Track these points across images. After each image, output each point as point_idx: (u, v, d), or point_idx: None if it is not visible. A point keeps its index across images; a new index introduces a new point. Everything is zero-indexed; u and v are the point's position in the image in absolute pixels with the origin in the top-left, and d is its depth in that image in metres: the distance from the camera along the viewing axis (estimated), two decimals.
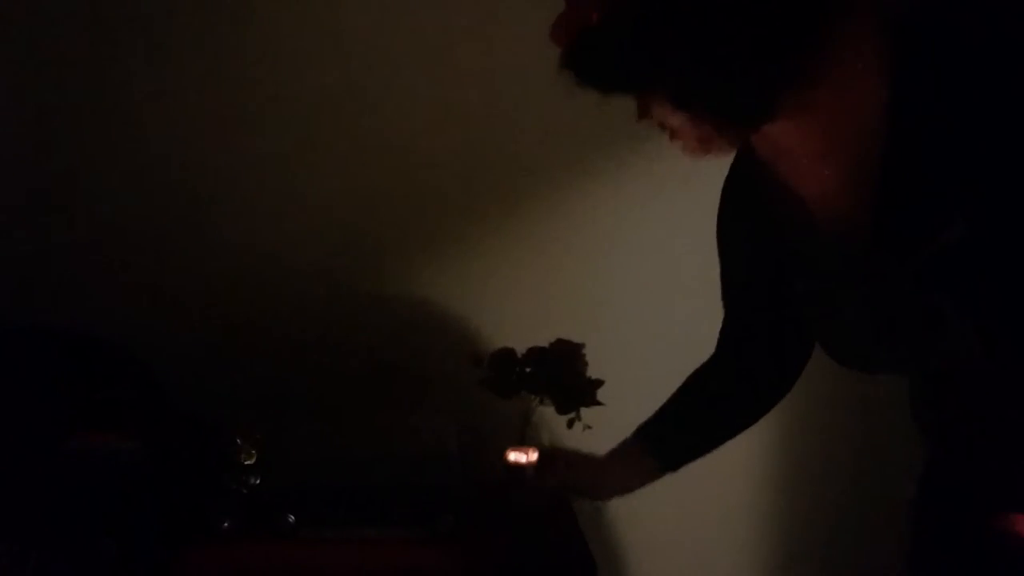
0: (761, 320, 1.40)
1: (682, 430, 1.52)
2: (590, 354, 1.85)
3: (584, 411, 1.83)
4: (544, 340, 1.87)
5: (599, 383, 1.84)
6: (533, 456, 1.64)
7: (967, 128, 1.00)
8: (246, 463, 1.81)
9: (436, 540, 1.74)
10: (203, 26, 1.98)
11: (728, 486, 2.16)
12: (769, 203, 1.24)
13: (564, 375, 1.84)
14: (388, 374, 2.07)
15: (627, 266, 2.09)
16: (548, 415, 1.87)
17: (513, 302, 2.08)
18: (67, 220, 2.02)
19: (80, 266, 2.03)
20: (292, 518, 1.74)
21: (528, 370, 1.86)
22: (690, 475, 2.13)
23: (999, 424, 1.16)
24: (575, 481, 1.58)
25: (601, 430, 1.87)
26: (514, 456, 1.69)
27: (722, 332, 1.49)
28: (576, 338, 1.86)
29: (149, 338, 1.97)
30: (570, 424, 1.83)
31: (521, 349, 1.88)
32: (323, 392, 2.05)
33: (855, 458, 2.15)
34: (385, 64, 2.01)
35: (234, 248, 2.04)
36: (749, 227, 1.32)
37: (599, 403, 1.83)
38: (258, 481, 1.81)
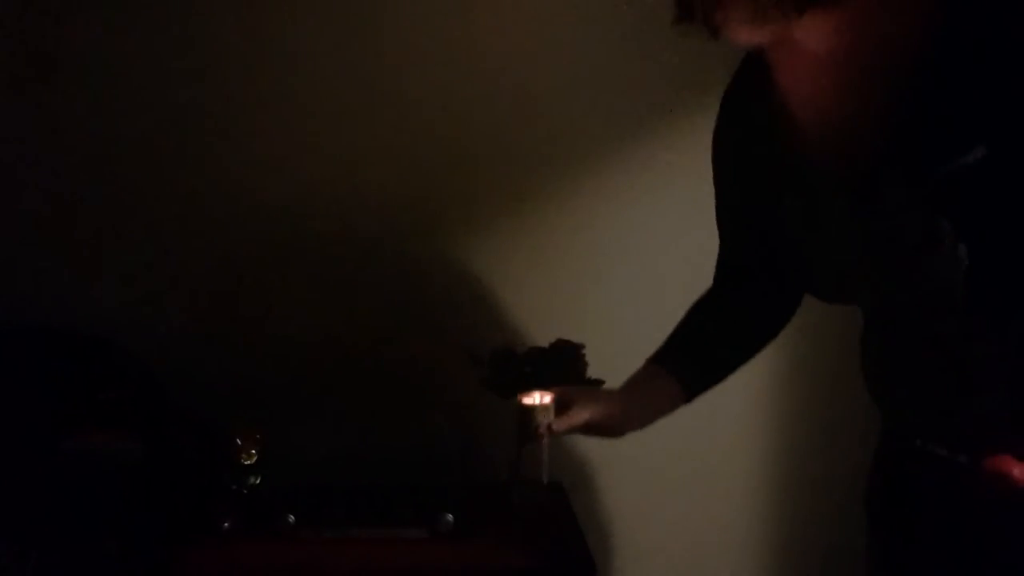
0: (754, 245, 1.35)
1: (696, 356, 1.47)
2: (590, 354, 1.85)
3: None
4: (544, 340, 1.87)
5: (599, 383, 1.84)
6: (547, 399, 1.52)
7: (1010, 53, 1.00)
8: (246, 463, 1.81)
9: (436, 540, 1.74)
10: None
11: (728, 486, 2.16)
12: (768, 110, 1.21)
13: (564, 375, 1.84)
14: (388, 374, 2.07)
15: (628, 266, 2.09)
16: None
17: (514, 302, 2.08)
18: (67, 218, 2.02)
19: (80, 266, 2.03)
20: (292, 518, 1.75)
21: (528, 370, 1.86)
22: (690, 475, 2.14)
23: (955, 380, 1.15)
24: (595, 419, 1.47)
25: None
26: (528, 400, 1.54)
27: (718, 262, 1.46)
28: (576, 338, 1.86)
29: (149, 338, 1.97)
30: None
31: (521, 349, 1.88)
32: (323, 392, 2.05)
33: (858, 459, 2.14)
34: (391, 62, 2.01)
35: (233, 249, 2.04)
36: (745, 137, 1.29)
37: None
38: (258, 481, 1.81)
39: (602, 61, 2.03)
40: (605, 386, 1.83)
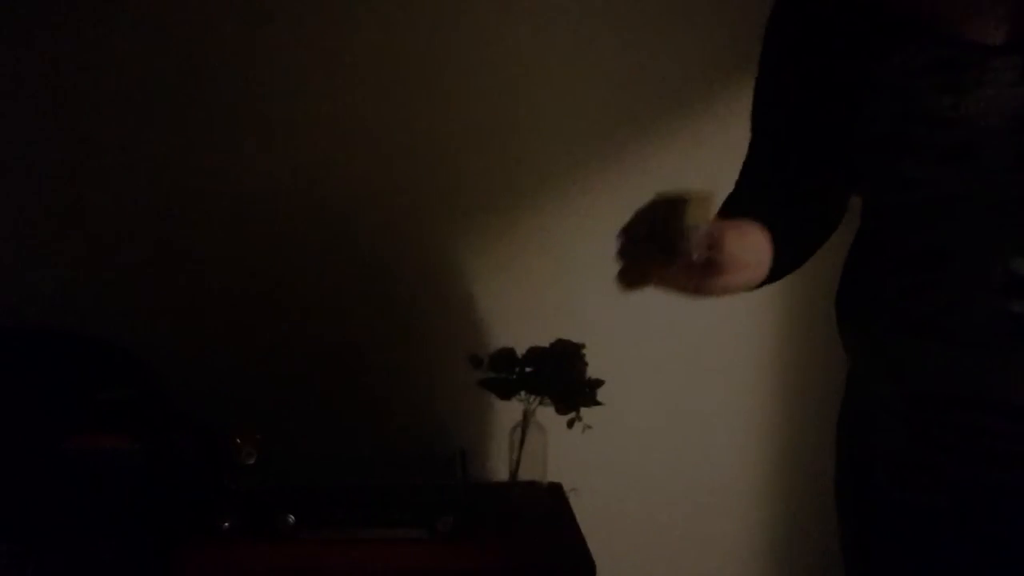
0: (811, 133, 1.14)
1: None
2: (590, 354, 1.85)
3: (584, 411, 1.83)
4: (544, 340, 1.87)
5: (599, 383, 1.84)
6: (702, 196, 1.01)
7: None
8: (246, 463, 1.81)
9: (436, 540, 1.74)
10: None
11: (730, 487, 2.16)
12: None
13: (564, 375, 1.84)
14: (388, 374, 2.07)
15: None
16: (548, 415, 1.87)
17: (513, 302, 2.08)
18: (67, 218, 2.02)
19: (80, 266, 2.03)
20: (292, 518, 1.75)
21: (528, 370, 1.86)
22: (691, 475, 2.14)
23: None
24: (730, 261, 1.02)
25: (601, 430, 1.88)
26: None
27: (745, 166, 1.24)
28: (576, 338, 1.86)
29: (149, 338, 1.97)
30: (570, 424, 1.84)
31: (521, 349, 1.88)
32: (323, 393, 2.05)
33: None
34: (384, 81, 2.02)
35: (232, 250, 2.04)
36: None
37: (599, 403, 1.83)
38: (258, 481, 1.82)
39: (603, 60, 2.03)
40: (606, 384, 1.84)
